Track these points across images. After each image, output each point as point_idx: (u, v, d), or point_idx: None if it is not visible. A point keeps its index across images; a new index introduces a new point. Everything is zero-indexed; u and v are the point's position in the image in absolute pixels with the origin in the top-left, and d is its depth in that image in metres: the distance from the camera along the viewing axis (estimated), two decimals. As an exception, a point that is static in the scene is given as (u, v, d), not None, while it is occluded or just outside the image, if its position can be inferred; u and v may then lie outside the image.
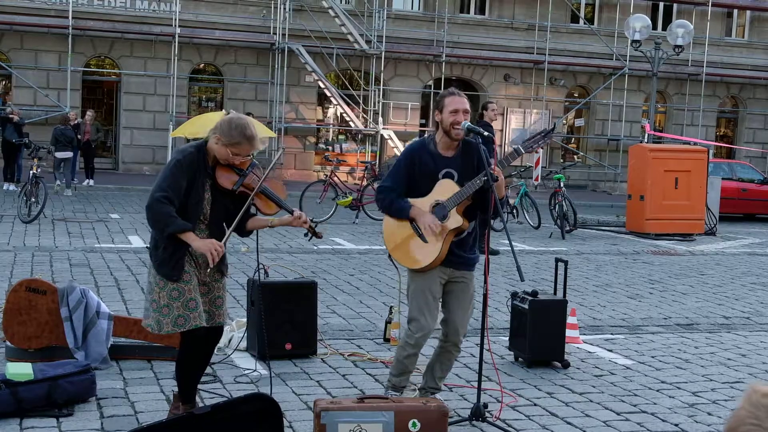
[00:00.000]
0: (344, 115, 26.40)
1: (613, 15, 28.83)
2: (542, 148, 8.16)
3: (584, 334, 7.56)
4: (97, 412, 5.04)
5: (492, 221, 5.86)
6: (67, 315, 5.87)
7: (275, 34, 25.59)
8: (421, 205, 5.07)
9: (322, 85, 25.90)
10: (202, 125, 16.32)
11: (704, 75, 29.38)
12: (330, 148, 27.49)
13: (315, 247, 12.15)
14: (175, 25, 24.45)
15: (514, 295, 6.67)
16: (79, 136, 20.16)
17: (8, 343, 5.94)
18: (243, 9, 25.82)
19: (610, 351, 7.09)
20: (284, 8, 25.51)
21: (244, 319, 6.71)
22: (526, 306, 6.40)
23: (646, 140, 18.82)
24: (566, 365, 6.43)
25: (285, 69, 25.67)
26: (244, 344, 6.43)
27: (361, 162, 24.21)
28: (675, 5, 29.74)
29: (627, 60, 28.23)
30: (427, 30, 27.45)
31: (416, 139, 10.76)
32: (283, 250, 11.88)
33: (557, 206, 15.50)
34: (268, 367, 5.49)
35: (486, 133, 5.09)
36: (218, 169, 4.64)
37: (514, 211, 16.80)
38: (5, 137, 19.98)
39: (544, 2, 27.79)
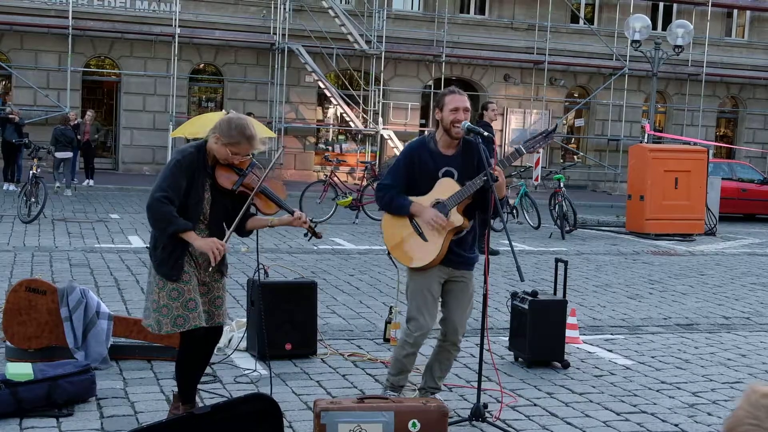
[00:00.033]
0: (344, 115, 26.40)
1: (613, 15, 28.84)
2: (543, 148, 8.17)
3: (584, 335, 7.56)
4: (97, 412, 5.04)
5: (492, 221, 5.86)
6: (67, 315, 5.87)
7: (275, 34, 25.59)
8: (422, 203, 5.07)
9: (322, 85, 25.90)
10: (202, 125, 16.32)
11: (704, 75, 29.38)
12: (330, 148, 27.50)
13: (315, 248, 12.15)
14: (175, 25, 24.45)
15: (514, 295, 6.67)
16: (78, 137, 20.15)
17: (8, 343, 5.94)
18: (243, 9, 25.83)
19: (610, 351, 7.09)
20: (284, 8, 25.51)
21: (244, 319, 6.71)
22: (526, 306, 6.40)
23: (646, 140, 18.82)
24: (566, 365, 6.43)
25: (285, 69, 25.68)
26: (244, 344, 6.43)
27: (361, 162, 24.21)
28: (675, 5, 29.74)
29: (627, 60, 28.24)
30: (427, 30, 27.45)
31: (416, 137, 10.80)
32: (283, 251, 11.88)
33: (557, 206, 15.50)
34: (268, 367, 5.49)
35: (486, 134, 5.09)
36: (218, 169, 4.64)
37: (514, 211, 16.80)
38: (5, 137, 19.98)
39: (544, 2, 27.80)
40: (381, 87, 26.84)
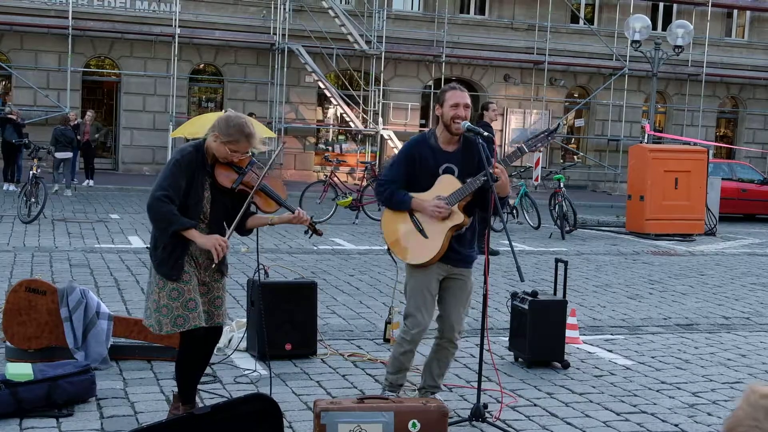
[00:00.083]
0: (344, 115, 26.40)
1: (613, 15, 28.83)
2: (544, 147, 8.16)
3: (584, 335, 7.56)
4: (97, 413, 5.04)
5: (492, 221, 5.86)
6: (66, 315, 5.87)
7: (275, 34, 25.59)
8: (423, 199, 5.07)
9: (322, 86, 25.90)
10: (202, 125, 16.26)
11: (704, 75, 29.37)
12: (330, 148, 27.49)
13: (315, 248, 12.15)
14: (175, 26, 24.45)
15: (514, 295, 6.67)
16: (78, 137, 20.15)
17: (8, 343, 5.93)
18: (243, 9, 25.83)
19: (610, 351, 7.09)
20: (284, 8, 25.51)
21: (244, 320, 6.71)
22: (526, 306, 6.40)
23: (646, 140, 18.83)
24: (566, 366, 6.43)
25: (285, 69, 25.67)
26: (244, 344, 6.43)
27: (361, 162, 24.21)
28: (675, 5, 29.74)
29: (627, 60, 28.23)
30: (427, 30, 27.45)
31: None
32: (283, 251, 11.88)
33: (557, 206, 15.51)
34: (268, 367, 5.49)
35: (486, 134, 5.09)
36: (217, 168, 4.64)
37: (514, 211, 16.80)
38: (5, 138, 19.98)
39: (544, 2, 27.79)
40: (381, 87, 26.84)
